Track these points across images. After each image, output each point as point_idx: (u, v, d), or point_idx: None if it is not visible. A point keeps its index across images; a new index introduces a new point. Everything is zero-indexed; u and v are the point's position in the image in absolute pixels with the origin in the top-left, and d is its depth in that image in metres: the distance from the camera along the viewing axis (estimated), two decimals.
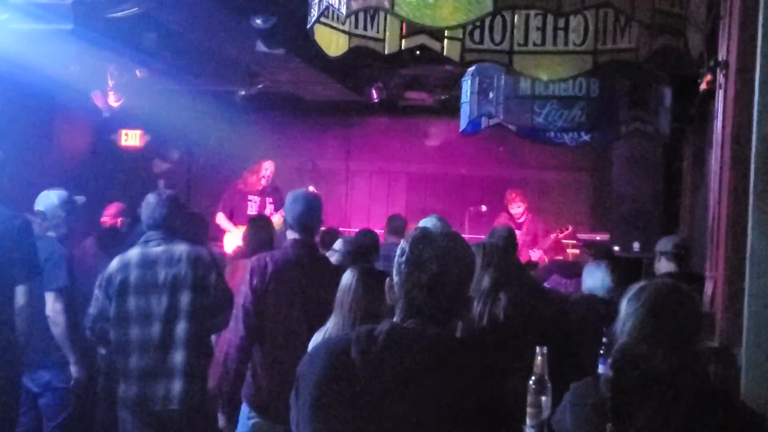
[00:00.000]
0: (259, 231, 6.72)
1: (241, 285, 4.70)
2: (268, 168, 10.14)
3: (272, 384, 4.54)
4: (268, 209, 9.96)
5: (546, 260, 9.53)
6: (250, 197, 10.06)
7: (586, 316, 4.76)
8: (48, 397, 5.81)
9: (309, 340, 3.82)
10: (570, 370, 3.05)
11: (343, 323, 3.67)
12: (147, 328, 4.80)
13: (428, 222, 4.63)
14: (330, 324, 3.76)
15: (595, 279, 5.25)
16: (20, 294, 4.92)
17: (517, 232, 9.83)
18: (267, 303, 4.58)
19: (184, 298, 4.83)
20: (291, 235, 4.76)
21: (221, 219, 9.87)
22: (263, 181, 10.09)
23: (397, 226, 8.23)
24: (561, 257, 9.15)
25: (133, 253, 4.91)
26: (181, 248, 4.92)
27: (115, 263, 4.92)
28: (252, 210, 9.93)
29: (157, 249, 4.88)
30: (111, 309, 4.83)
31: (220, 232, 9.82)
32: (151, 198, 5.00)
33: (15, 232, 4.93)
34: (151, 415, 4.82)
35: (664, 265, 5.68)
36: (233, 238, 9.60)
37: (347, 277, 3.73)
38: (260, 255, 4.82)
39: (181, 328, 4.82)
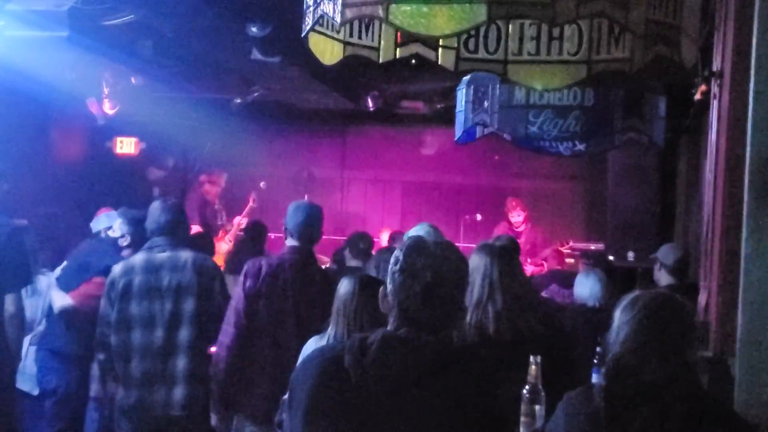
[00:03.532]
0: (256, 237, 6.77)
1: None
2: (225, 179, 10.57)
3: (264, 390, 4.53)
4: (224, 216, 10.38)
5: (545, 269, 9.52)
6: (216, 206, 10.27)
7: (577, 326, 4.77)
8: (50, 403, 5.85)
9: (300, 345, 3.81)
10: (564, 380, 3.04)
11: (343, 331, 3.66)
12: (149, 333, 4.80)
13: (420, 230, 4.63)
14: (329, 332, 3.75)
15: (584, 288, 5.26)
16: (9, 302, 4.92)
17: None
18: (259, 307, 4.59)
19: (188, 305, 4.84)
20: (290, 242, 4.77)
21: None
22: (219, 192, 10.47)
23: (363, 249, 7.16)
24: (560, 267, 9.14)
25: (138, 258, 4.93)
26: (185, 255, 4.93)
27: (118, 268, 4.92)
28: (221, 219, 10.30)
29: (161, 255, 4.90)
30: (113, 313, 4.83)
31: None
32: (156, 204, 5.04)
33: (5, 239, 4.91)
34: (151, 422, 4.80)
35: (664, 277, 5.71)
36: (220, 249, 9.68)
37: (347, 286, 3.72)
38: (256, 258, 4.84)
39: (184, 334, 4.82)
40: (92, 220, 6.65)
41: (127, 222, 5.80)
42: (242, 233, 9.30)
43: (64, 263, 6.20)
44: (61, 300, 5.75)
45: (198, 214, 10.04)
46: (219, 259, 9.47)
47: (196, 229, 9.68)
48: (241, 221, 10.13)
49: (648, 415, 2.55)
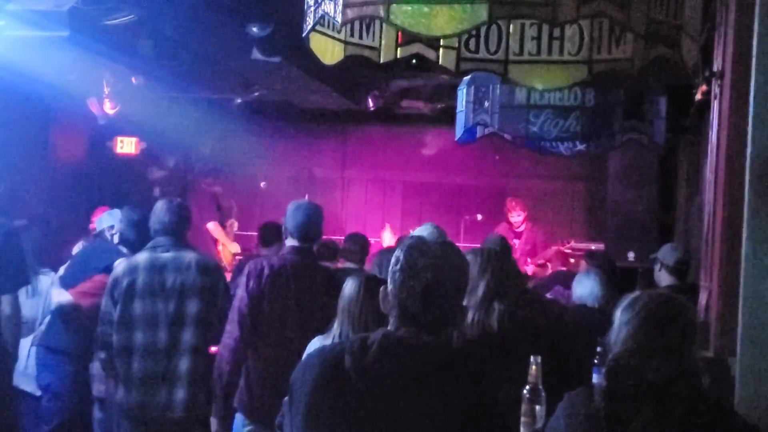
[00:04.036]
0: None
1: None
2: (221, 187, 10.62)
3: (266, 390, 4.53)
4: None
5: (549, 270, 9.52)
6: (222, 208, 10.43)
7: (578, 326, 4.76)
8: (45, 400, 5.85)
9: (303, 346, 3.81)
10: (564, 380, 3.04)
11: (348, 331, 3.65)
12: (152, 334, 4.80)
13: (424, 230, 4.64)
14: (333, 332, 3.75)
15: (584, 288, 5.25)
16: (6, 303, 4.92)
17: (516, 242, 9.87)
18: (262, 307, 4.59)
19: (192, 306, 4.84)
20: (291, 242, 4.77)
21: (215, 227, 9.88)
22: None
23: (354, 251, 7.00)
24: (564, 268, 9.15)
25: (141, 257, 4.92)
26: (189, 255, 4.93)
27: (121, 267, 4.91)
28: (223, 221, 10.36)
29: (165, 255, 4.89)
30: (115, 312, 4.83)
31: (212, 241, 9.84)
32: (160, 204, 5.03)
33: (2, 239, 4.90)
34: (151, 423, 4.80)
35: (664, 277, 5.71)
36: (233, 249, 9.77)
37: (352, 285, 3.71)
38: (257, 259, 4.84)
39: (186, 335, 4.82)
40: (91, 220, 6.66)
41: (121, 220, 5.82)
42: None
43: (68, 262, 6.21)
44: (59, 296, 5.76)
45: (215, 210, 10.09)
46: (229, 257, 9.63)
47: (212, 226, 9.78)
48: (233, 223, 10.21)
49: (648, 415, 2.55)
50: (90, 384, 5.92)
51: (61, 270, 6.12)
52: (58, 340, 5.88)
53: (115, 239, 5.95)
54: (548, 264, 9.80)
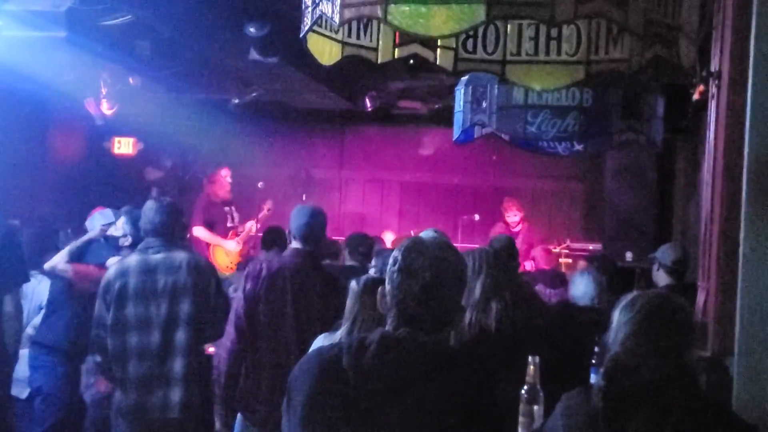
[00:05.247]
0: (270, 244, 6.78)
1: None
2: (226, 175, 10.22)
3: (266, 392, 4.54)
4: (236, 218, 10.13)
5: (533, 268, 9.50)
6: (225, 208, 10.14)
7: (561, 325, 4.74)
8: (37, 402, 5.83)
9: (300, 348, 3.81)
10: (562, 380, 3.04)
11: (357, 331, 3.66)
12: (146, 336, 4.80)
13: (426, 236, 4.64)
14: (340, 333, 3.75)
15: (577, 288, 5.25)
16: (8, 302, 4.91)
17: None
18: (258, 309, 4.59)
19: (184, 306, 4.83)
20: (294, 245, 4.78)
21: (201, 232, 9.79)
22: (228, 188, 10.20)
23: (362, 252, 6.72)
24: (547, 267, 9.15)
25: (132, 259, 4.91)
26: (180, 255, 4.92)
27: (113, 270, 4.91)
28: (231, 221, 10.09)
29: (156, 256, 4.88)
30: (109, 316, 4.82)
31: (200, 245, 9.75)
32: (150, 205, 5.00)
33: (1, 239, 4.90)
34: (149, 424, 4.80)
35: (662, 277, 5.70)
36: (229, 249, 9.70)
37: (357, 287, 3.72)
38: (257, 260, 4.83)
39: (180, 336, 4.82)
40: (87, 220, 6.64)
41: (131, 222, 5.80)
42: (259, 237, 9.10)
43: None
44: (60, 260, 5.72)
45: (202, 214, 9.98)
46: (225, 259, 9.56)
47: (198, 231, 9.70)
48: (252, 227, 10.05)
49: (646, 415, 2.55)
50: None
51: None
52: (52, 335, 5.85)
53: (125, 242, 5.92)
54: (532, 262, 9.79)
